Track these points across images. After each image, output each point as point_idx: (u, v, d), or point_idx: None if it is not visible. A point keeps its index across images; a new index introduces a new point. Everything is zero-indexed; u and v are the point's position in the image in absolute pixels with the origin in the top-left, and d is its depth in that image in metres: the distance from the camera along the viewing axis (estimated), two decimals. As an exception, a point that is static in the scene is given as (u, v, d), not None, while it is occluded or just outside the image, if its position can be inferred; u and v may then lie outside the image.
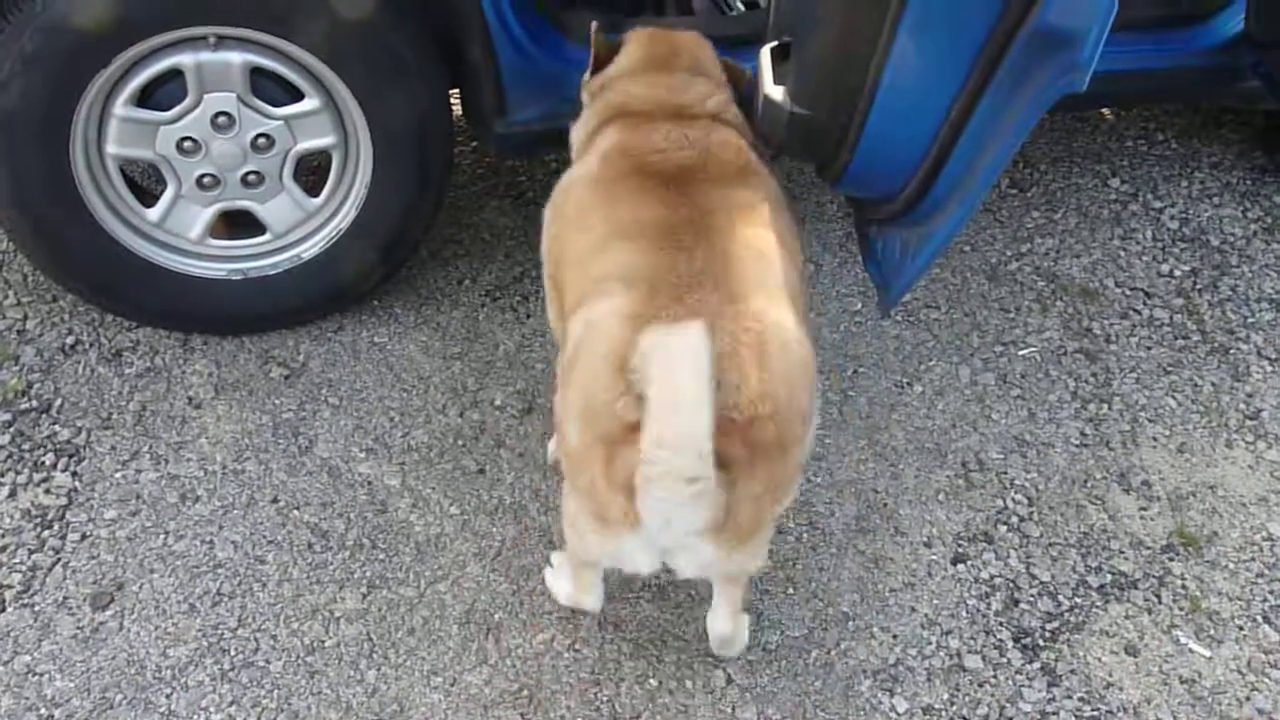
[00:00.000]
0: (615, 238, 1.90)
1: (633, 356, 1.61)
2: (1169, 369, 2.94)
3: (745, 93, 2.27)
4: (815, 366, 1.85)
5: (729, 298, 1.74)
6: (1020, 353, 2.96)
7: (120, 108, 2.39)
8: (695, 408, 1.52)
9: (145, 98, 2.40)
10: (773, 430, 1.69)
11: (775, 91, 2.09)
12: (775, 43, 2.18)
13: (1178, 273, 3.22)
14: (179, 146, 2.45)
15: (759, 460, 1.70)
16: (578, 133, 2.27)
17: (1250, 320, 3.09)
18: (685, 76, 2.20)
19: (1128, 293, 3.15)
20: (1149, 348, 3.00)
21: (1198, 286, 3.18)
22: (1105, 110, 3.75)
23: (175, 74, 2.37)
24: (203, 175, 2.51)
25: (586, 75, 2.31)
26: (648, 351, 1.58)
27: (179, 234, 2.61)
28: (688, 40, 2.30)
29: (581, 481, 1.80)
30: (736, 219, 1.90)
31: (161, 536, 2.39)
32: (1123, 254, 3.27)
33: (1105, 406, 2.84)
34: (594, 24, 2.30)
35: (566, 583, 2.19)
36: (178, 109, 2.41)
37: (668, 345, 1.56)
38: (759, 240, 1.89)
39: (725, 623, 2.17)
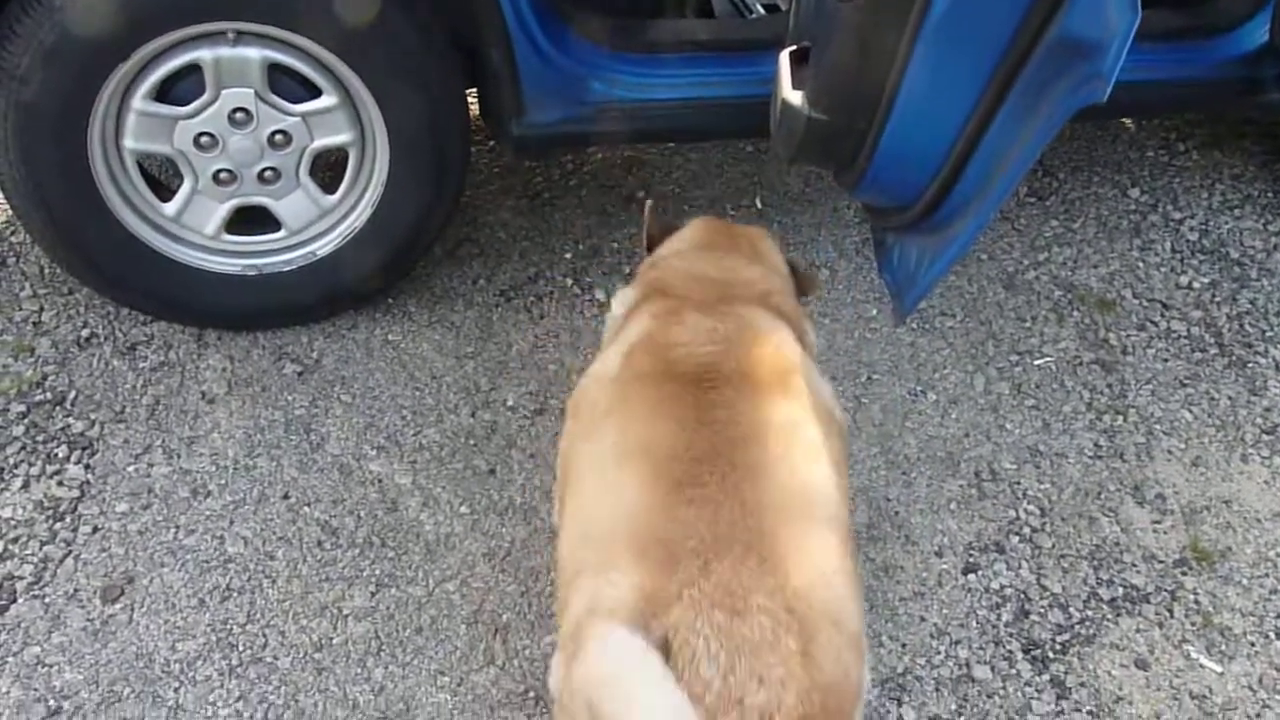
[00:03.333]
0: (626, 463, 1.64)
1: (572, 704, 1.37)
2: (1185, 381, 2.92)
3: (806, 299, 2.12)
4: (864, 625, 1.58)
5: (766, 565, 1.46)
6: (1036, 362, 2.94)
7: (138, 102, 2.39)
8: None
9: (163, 93, 2.41)
10: None
11: (794, 96, 2.08)
12: (794, 47, 2.17)
13: (1196, 285, 3.20)
14: (196, 142, 2.46)
15: None
16: (615, 310, 2.08)
17: (1269, 334, 3.07)
18: (741, 260, 2.03)
19: (1145, 304, 3.13)
20: (1166, 360, 2.98)
21: (1216, 299, 3.16)
22: (1126, 120, 3.73)
23: (193, 69, 2.37)
24: (219, 171, 2.51)
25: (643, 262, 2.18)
26: (587, 693, 1.34)
27: (195, 229, 2.62)
28: (751, 231, 2.15)
29: None
30: (773, 447, 1.64)
31: (172, 531, 2.40)
32: (1141, 265, 3.25)
33: (1120, 418, 2.82)
34: (648, 203, 2.20)
35: None
36: (195, 104, 2.41)
37: (604, 674, 1.34)
38: (801, 475, 1.63)
39: None
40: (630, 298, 2.04)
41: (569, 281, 3.04)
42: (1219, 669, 2.34)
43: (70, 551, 2.35)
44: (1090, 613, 2.42)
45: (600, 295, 3.00)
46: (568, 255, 3.12)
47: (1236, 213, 3.45)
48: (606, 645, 1.35)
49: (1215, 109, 3.56)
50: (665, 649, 1.39)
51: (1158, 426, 2.80)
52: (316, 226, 2.69)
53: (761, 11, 3.04)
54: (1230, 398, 2.89)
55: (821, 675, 1.41)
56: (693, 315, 1.85)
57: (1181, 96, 3.13)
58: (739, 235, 2.13)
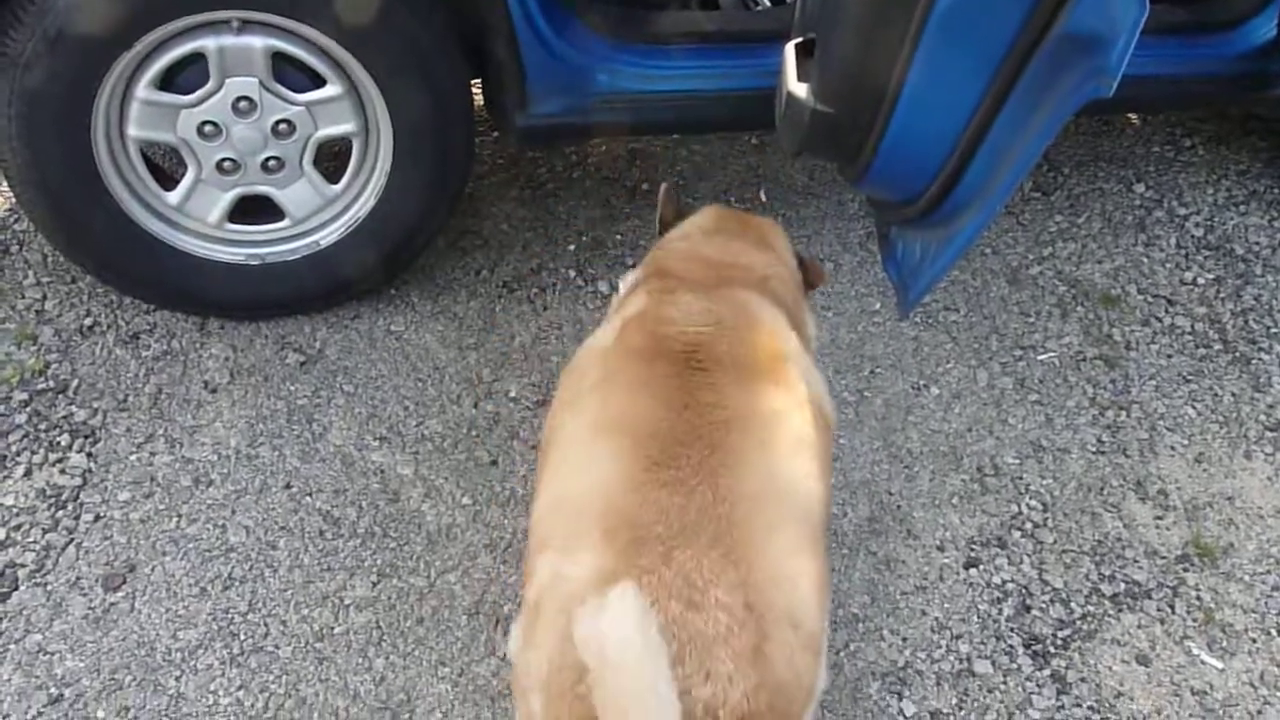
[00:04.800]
0: (603, 437, 1.61)
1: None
2: (1189, 378, 2.92)
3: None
4: (826, 626, 1.55)
5: (729, 558, 1.43)
6: (1039, 358, 2.94)
7: (142, 90, 2.39)
8: (653, 711, 1.24)
9: (167, 81, 2.40)
10: None
11: (798, 89, 2.08)
12: (800, 39, 2.16)
13: (1201, 281, 3.19)
14: (200, 130, 2.45)
15: None
16: (621, 290, 2.05)
17: (1273, 330, 3.06)
18: (745, 245, 2.02)
19: (1149, 300, 3.12)
20: (1169, 356, 2.97)
21: (1221, 295, 3.15)
22: (1132, 115, 3.72)
23: (198, 58, 2.37)
24: (223, 160, 2.51)
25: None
26: (586, 648, 1.27)
27: (198, 217, 2.61)
28: (762, 221, 2.14)
29: None
30: (755, 435, 1.60)
31: (174, 519, 2.40)
32: (1145, 260, 3.24)
33: (1123, 414, 2.81)
34: (664, 185, 2.20)
35: None
36: (199, 93, 2.41)
37: (601, 637, 1.25)
38: (780, 467, 1.59)
39: None
40: (634, 278, 2.03)
41: (572, 273, 3.03)
42: (1220, 665, 2.34)
43: (72, 539, 2.35)
44: (1092, 608, 2.41)
45: (603, 287, 2.99)
46: (571, 247, 3.11)
47: (1242, 209, 3.44)
48: (621, 607, 1.26)
49: (1221, 104, 3.55)
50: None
51: (1161, 422, 2.80)
52: (320, 216, 2.68)
53: (767, 4, 3.03)
54: (1234, 394, 2.88)
55: (772, 675, 1.39)
56: (687, 295, 1.83)
57: (1188, 91, 3.12)
58: (748, 224, 2.13)
